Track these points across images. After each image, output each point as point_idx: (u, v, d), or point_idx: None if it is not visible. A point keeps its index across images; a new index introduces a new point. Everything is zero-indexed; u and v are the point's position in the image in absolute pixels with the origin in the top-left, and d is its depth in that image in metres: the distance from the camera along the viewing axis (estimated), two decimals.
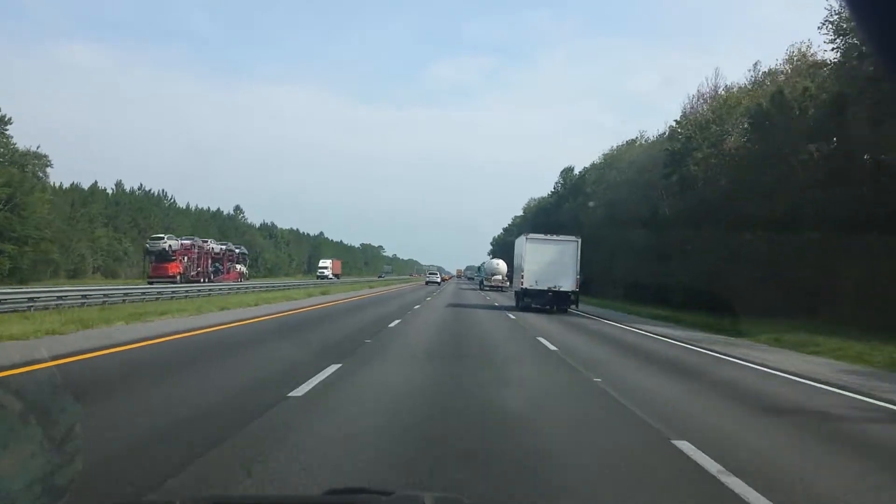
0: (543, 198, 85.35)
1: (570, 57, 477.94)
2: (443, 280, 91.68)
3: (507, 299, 37.83)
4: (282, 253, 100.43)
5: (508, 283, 56.93)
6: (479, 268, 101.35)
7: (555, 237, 27.01)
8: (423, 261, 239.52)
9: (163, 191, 75.09)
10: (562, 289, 25.52)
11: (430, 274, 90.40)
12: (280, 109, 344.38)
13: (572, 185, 67.59)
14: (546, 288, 25.45)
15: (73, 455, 1.78)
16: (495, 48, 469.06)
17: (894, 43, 1.06)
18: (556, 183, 76.32)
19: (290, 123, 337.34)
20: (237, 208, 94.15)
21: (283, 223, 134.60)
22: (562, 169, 75.37)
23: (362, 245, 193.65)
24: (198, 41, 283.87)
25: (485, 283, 60.50)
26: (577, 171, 69.25)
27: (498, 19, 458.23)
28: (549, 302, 25.68)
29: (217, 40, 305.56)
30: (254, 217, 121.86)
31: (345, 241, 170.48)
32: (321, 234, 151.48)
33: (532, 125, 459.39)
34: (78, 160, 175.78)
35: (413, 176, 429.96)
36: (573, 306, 26.09)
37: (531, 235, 27.30)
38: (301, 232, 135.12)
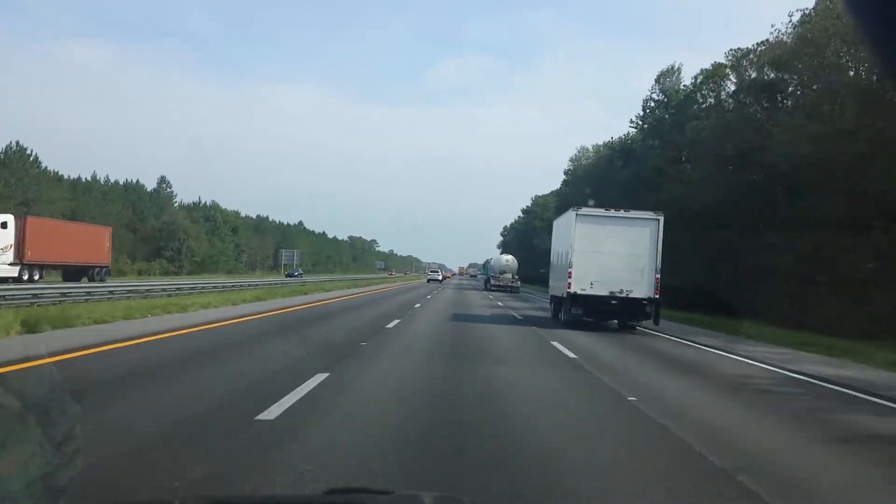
0: (611, 142, 56.35)
1: (571, 57, 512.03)
2: (444, 278, 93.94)
3: (526, 304, 34.37)
4: (224, 242, 77.72)
5: (519, 283, 55.73)
6: (484, 265, 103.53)
7: (623, 214, 19.15)
8: (425, 258, 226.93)
9: (16, 143, 53.13)
10: (632, 294, 18.19)
11: (430, 272, 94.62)
12: (280, 109, 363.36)
13: (679, 103, 41.22)
14: (608, 293, 18.25)
15: (73, 454, 1.95)
16: (496, 48, 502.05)
17: (894, 43, 1.11)
18: (646, 102, 46.39)
19: (290, 123, 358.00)
20: (162, 180, 72.83)
21: (284, 221, 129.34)
22: (658, 73, 45.55)
23: (350, 238, 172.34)
24: (198, 41, 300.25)
25: (491, 281, 56.88)
26: (688, 77, 43.11)
27: (498, 19, 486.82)
28: (612, 314, 19.09)
29: (217, 40, 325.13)
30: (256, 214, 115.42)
31: (329, 234, 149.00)
32: (300, 223, 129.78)
33: (533, 125, 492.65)
34: (78, 159, 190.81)
35: (413, 175, 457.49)
36: (648, 321, 18.70)
37: (584, 211, 19.34)
38: (270, 219, 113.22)
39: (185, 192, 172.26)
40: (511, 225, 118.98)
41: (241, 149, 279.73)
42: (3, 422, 1.88)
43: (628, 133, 50.77)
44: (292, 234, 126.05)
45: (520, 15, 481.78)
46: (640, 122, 47.16)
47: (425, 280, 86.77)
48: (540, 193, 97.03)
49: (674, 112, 40.88)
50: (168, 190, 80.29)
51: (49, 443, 2.01)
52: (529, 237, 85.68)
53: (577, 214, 19.09)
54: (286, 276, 73.04)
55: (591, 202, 22.78)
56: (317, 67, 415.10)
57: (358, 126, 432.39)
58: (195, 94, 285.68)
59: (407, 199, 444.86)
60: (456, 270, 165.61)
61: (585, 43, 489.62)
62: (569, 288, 18.68)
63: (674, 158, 37.93)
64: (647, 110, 45.86)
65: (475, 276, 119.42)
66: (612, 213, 19.31)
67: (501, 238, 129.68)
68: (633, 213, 19.23)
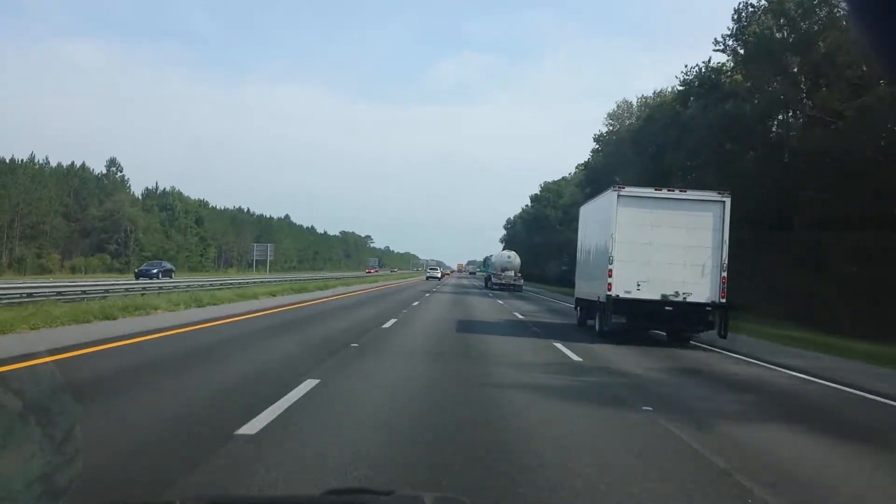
0: (684, 81, 37.95)
1: (571, 57, 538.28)
2: (443, 275, 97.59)
3: (538, 308, 29.43)
4: (185, 235, 67.87)
5: (522, 282, 54.65)
6: (484, 261, 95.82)
7: (679, 194, 16.31)
8: (423, 256, 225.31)
9: None
10: (691, 298, 15.39)
11: (429, 269, 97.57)
12: (280, 109, 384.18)
13: (802, 2, 28.92)
14: (659, 296, 15.42)
15: (73, 454, 2.04)
16: (496, 48, 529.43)
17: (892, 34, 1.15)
18: (739, 11, 32.91)
19: (289, 123, 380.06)
20: (112, 163, 62.61)
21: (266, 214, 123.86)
22: None
23: (342, 234, 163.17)
24: (198, 41, 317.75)
25: (493, 279, 55.07)
26: None
27: (498, 19, 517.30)
28: (665, 323, 16.21)
29: (217, 40, 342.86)
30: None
31: (319, 229, 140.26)
32: (286, 217, 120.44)
33: (533, 124, 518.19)
34: (80, 157, 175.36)
35: (413, 174, 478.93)
36: (710, 331, 15.68)
37: (629, 191, 16.34)
38: (248, 211, 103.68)
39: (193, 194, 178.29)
40: (517, 216, 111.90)
41: (240, 148, 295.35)
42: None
43: (709, 61, 35.35)
44: (274, 228, 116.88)
45: (520, 15, 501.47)
46: (732, 41, 32.87)
47: (423, 278, 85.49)
48: (546, 180, 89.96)
49: (790, 19, 28.87)
50: (119, 174, 70.89)
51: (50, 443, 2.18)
52: (540, 227, 76.19)
53: (618, 196, 16.09)
54: (136, 274, 47.80)
55: (615, 178, 17.98)
56: (317, 67, 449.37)
57: (357, 125, 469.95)
58: (195, 94, 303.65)
59: (406, 196, 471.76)
60: (455, 268, 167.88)
61: (585, 43, 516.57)
62: (609, 290, 15.77)
63: (791, 95, 27.11)
64: (743, 23, 32.70)
65: (474, 273, 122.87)
66: (665, 193, 16.42)
67: (504, 231, 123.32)
68: (691, 194, 16.43)
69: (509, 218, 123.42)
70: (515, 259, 54.56)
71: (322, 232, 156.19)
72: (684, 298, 15.24)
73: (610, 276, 15.54)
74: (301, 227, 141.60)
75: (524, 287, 54.01)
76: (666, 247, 15.35)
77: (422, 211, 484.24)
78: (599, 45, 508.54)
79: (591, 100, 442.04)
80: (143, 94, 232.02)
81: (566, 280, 50.11)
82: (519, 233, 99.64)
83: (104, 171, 70.41)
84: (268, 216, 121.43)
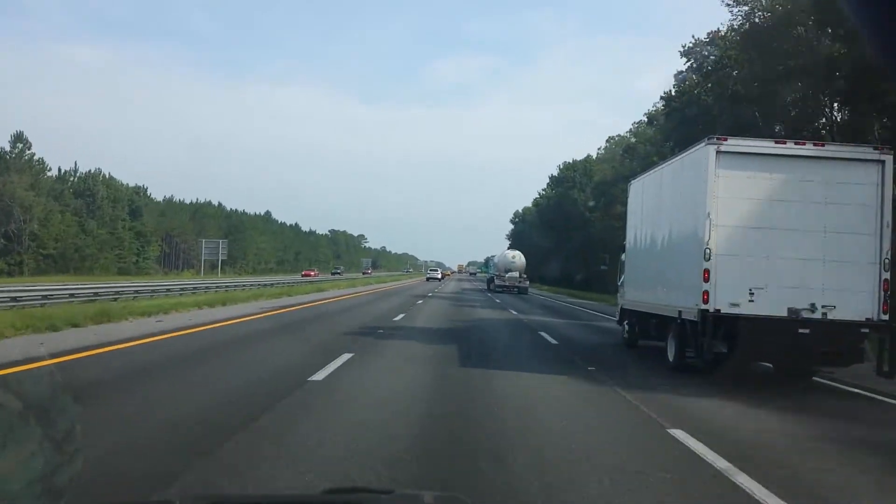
0: None
1: (571, 56, 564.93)
2: (443, 276, 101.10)
3: (558, 319, 26.06)
4: (114, 230, 55.10)
5: (527, 283, 53.77)
6: (486, 262, 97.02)
7: (811, 150, 11.40)
8: (423, 256, 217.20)
9: None
10: (833, 314, 10.60)
11: (430, 271, 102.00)
12: (279, 109, 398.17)
13: None
14: (786, 312, 10.69)
15: (73, 454, 2.03)
16: (495, 48, 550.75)
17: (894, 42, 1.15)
18: None
19: (289, 122, 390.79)
20: (18, 138, 50.03)
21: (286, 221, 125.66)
22: None
23: (332, 232, 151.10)
24: (198, 41, 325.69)
25: (496, 281, 53.57)
26: None
27: (498, 19, 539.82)
28: (796, 353, 11.07)
29: (217, 40, 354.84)
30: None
31: (318, 230, 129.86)
32: (268, 213, 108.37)
33: (533, 124, 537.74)
34: (81, 157, 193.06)
35: (412, 174, 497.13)
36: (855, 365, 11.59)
37: (733, 145, 11.15)
38: (219, 204, 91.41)
39: (181, 191, 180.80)
40: (527, 208, 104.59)
41: (241, 148, 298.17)
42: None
43: None
44: (246, 225, 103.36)
45: (520, 14, 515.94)
46: None
47: (409, 281, 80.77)
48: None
49: None
50: (28, 152, 57.69)
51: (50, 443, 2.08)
52: (562, 216, 64.13)
53: (717, 151, 11.07)
54: None
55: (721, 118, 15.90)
56: (317, 67, 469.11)
57: (357, 125, 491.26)
58: (194, 94, 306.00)
59: (405, 196, 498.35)
60: (455, 268, 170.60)
61: (586, 42, 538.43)
62: (705, 301, 10.82)
63: None
64: None
65: (474, 274, 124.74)
66: (792, 147, 11.37)
67: (512, 226, 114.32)
68: (832, 149, 11.70)
69: (517, 210, 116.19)
70: (520, 259, 53.89)
71: (308, 230, 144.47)
72: (824, 314, 10.61)
73: (706, 279, 10.73)
74: (283, 224, 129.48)
75: (530, 290, 53.85)
76: (793, 233, 10.83)
77: (421, 211, 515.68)
78: (600, 45, 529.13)
79: (592, 99, 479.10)
80: (142, 94, 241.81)
81: (592, 283, 46.00)
82: (531, 225, 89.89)
83: (7, 149, 58.53)
84: (241, 211, 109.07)
